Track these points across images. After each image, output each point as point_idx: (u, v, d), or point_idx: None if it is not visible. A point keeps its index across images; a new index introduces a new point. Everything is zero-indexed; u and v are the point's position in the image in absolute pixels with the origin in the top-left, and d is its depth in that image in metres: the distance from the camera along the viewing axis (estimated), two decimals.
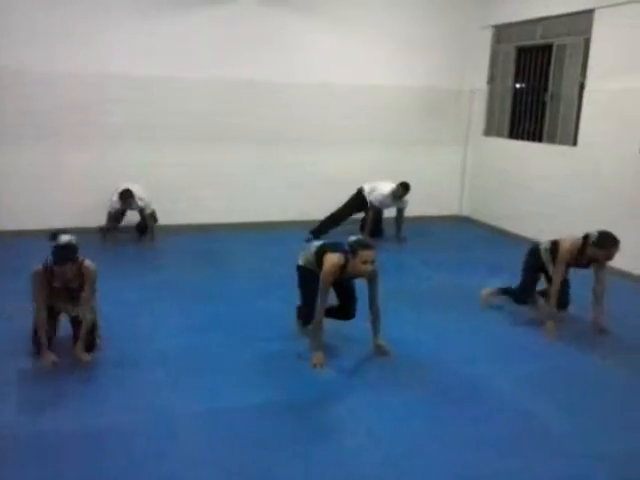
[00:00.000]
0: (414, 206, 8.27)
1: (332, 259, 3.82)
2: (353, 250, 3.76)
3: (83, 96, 6.73)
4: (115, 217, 6.65)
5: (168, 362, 3.88)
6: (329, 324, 4.10)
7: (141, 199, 6.52)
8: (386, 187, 7.11)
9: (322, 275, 3.81)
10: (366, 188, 7.14)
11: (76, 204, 6.82)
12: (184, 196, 7.30)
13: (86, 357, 3.74)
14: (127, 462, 2.87)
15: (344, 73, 7.70)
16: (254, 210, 7.59)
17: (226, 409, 3.35)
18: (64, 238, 3.64)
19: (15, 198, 6.68)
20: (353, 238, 3.86)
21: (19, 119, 6.54)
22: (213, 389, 3.57)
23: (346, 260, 3.81)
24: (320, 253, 3.96)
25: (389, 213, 7.44)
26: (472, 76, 8.33)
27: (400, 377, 3.81)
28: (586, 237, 4.40)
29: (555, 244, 4.60)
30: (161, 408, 3.34)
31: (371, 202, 7.09)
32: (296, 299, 4.31)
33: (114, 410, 3.30)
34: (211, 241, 6.89)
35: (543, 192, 7.26)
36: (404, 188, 7.08)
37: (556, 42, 7.08)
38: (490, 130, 8.36)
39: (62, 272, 3.58)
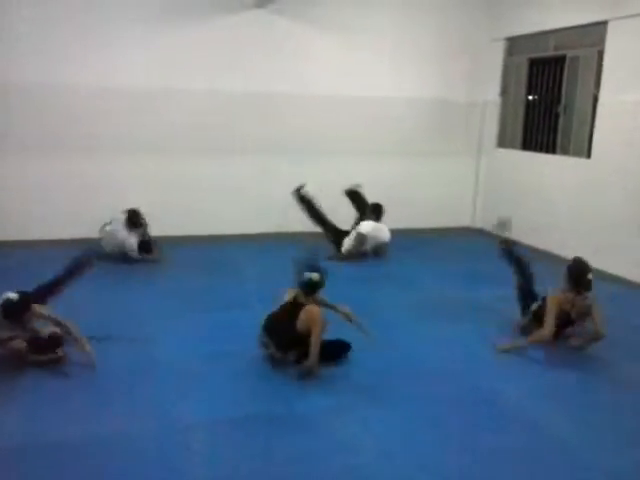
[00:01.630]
0: (426, 217, 8.29)
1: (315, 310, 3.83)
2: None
3: (88, 108, 6.80)
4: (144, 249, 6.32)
5: (177, 370, 3.89)
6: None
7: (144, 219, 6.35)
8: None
9: (320, 325, 3.78)
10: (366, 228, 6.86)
11: (83, 214, 6.84)
12: (189, 208, 7.34)
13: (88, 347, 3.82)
14: (132, 470, 2.87)
15: (354, 85, 7.73)
16: (260, 220, 7.61)
17: (235, 419, 3.34)
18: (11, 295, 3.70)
19: (22, 208, 6.73)
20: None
21: (26, 131, 6.65)
22: (224, 397, 3.56)
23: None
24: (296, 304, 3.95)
25: None
26: (484, 88, 8.33)
27: (410, 389, 3.78)
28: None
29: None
30: (170, 416, 3.34)
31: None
32: None
33: (120, 418, 3.31)
34: (217, 251, 6.90)
35: (557, 204, 7.21)
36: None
37: (569, 54, 7.06)
38: (503, 142, 8.33)
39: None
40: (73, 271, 4.34)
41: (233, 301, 5.24)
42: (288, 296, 4.05)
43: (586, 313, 4.34)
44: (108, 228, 6.18)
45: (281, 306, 4.02)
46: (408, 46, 7.89)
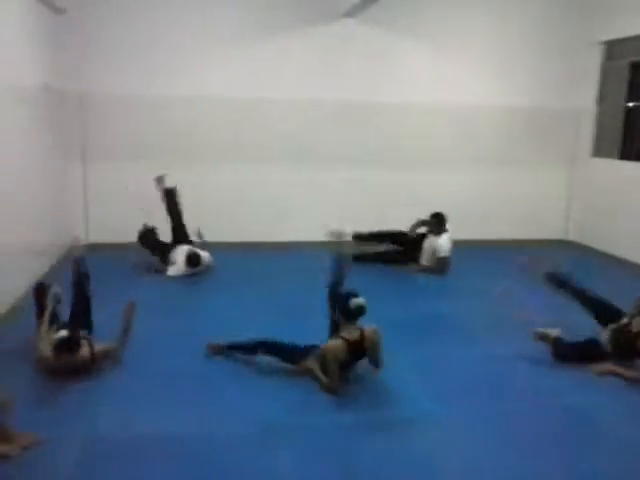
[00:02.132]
0: (515, 228, 8.03)
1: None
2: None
3: (182, 118, 7.10)
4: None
5: (265, 375, 3.97)
6: None
7: (204, 257, 6.32)
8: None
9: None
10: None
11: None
12: (280, 215, 7.51)
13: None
14: (216, 471, 2.95)
15: (446, 92, 7.63)
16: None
17: (319, 425, 3.37)
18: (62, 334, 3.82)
19: (110, 213, 7.09)
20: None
21: (118, 140, 7.04)
22: (307, 404, 3.60)
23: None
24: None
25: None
26: (580, 94, 7.98)
27: (495, 407, 3.68)
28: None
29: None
30: (257, 420, 3.40)
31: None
32: None
33: (211, 420, 3.41)
34: (304, 258, 6.96)
35: None
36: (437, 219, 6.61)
37: None
38: (599, 151, 7.94)
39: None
40: (79, 283, 4.47)
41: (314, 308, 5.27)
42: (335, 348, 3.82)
43: None
44: (174, 271, 6.23)
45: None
46: (500, 52, 7.70)
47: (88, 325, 4.26)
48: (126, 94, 6.93)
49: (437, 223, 6.57)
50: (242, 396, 3.70)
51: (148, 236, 6.49)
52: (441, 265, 6.55)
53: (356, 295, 3.81)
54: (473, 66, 7.69)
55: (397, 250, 6.90)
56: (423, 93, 7.58)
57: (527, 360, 4.34)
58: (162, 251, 6.41)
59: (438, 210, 6.70)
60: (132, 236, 6.94)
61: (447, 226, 6.63)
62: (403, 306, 5.54)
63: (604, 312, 4.43)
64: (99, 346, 3.96)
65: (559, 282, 4.72)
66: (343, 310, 3.81)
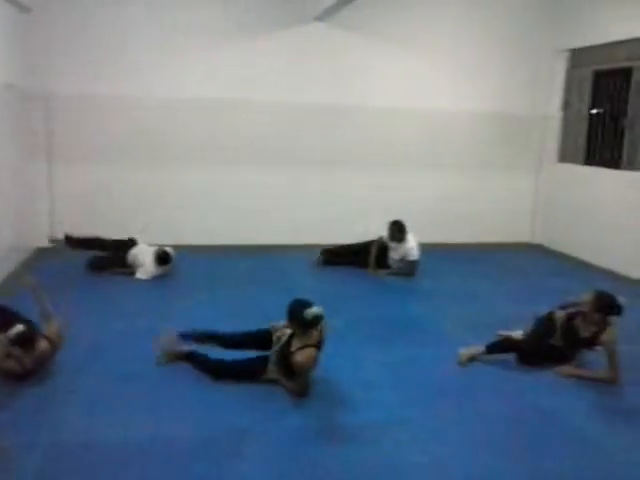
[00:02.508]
0: (484, 232, 8.16)
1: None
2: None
3: (156, 120, 7.05)
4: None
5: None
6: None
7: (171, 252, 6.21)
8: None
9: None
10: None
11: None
12: (251, 216, 7.48)
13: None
14: (178, 473, 2.92)
15: (414, 97, 7.71)
16: (318, 233, 7.63)
17: (286, 429, 3.34)
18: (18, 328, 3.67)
19: (76, 214, 6.97)
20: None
21: (86, 141, 6.94)
22: (273, 407, 3.58)
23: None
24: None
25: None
26: (545, 101, 8.14)
27: (467, 407, 3.70)
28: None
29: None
30: (222, 421, 3.36)
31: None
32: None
33: (173, 424, 3.36)
34: (272, 261, 6.95)
35: (621, 221, 6.95)
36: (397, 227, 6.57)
37: (636, 65, 6.82)
38: (565, 156, 8.10)
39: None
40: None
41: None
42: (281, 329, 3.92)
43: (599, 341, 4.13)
44: (144, 274, 6.08)
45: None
46: (468, 58, 7.81)
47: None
48: (94, 94, 6.82)
49: (397, 230, 6.60)
50: (203, 399, 3.65)
51: (88, 242, 6.32)
52: (410, 268, 6.60)
53: (309, 305, 3.65)
54: (442, 71, 7.78)
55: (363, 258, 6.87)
56: (393, 97, 7.64)
57: (495, 361, 4.39)
58: (116, 247, 6.23)
59: (402, 216, 6.67)
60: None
61: (408, 233, 6.59)
62: (372, 307, 5.56)
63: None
64: (50, 330, 3.90)
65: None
66: (299, 322, 3.65)
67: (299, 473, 2.99)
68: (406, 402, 3.74)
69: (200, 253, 6.92)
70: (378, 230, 6.80)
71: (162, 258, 6.06)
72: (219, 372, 3.90)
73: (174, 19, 6.89)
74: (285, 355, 3.74)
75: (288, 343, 3.76)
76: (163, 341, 4.12)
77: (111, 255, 6.26)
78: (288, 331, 3.87)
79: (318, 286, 6.16)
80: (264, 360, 3.88)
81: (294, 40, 7.23)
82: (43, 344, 3.78)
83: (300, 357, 3.61)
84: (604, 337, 4.08)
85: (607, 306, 4.11)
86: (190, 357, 4.07)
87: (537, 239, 8.48)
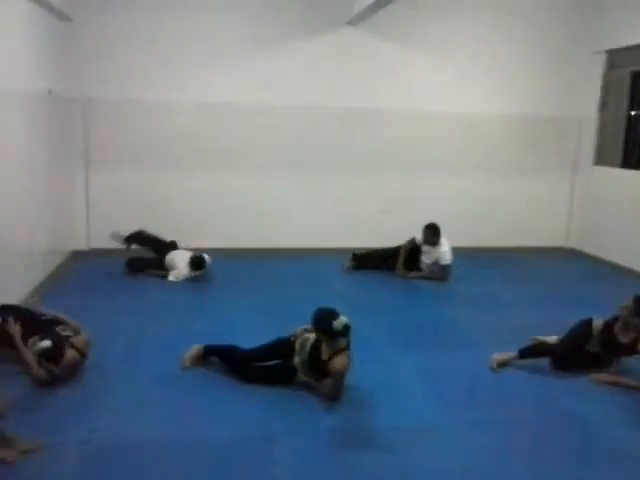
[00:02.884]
0: (518, 236, 8.05)
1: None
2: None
3: (182, 124, 7.12)
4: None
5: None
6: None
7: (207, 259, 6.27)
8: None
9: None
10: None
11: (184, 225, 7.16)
12: (280, 221, 7.53)
13: None
14: (213, 476, 2.96)
15: (447, 100, 7.64)
16: (351, 234, 7.63)
17: (308, 432, 3.35)
18: (45, 344, 3.72)
19: (112, 219, 7.04)
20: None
21: (122, 146, 7.06)
22: (295, 410, 3.59)
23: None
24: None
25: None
26: (581, 102, 7.99)
27: (496, 414, 3.67)
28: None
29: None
30: (254, 424, 3.38)
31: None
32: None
33: (206, 426, 3.40)
34: (304, 265, 6.98)
35: None
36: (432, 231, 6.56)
37: None
38: (601, 159, 7.95)
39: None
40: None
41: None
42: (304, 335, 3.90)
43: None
44: (176, 277, 6.20)
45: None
46: (503, 62, 7.72)
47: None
48: (130, 99, 6.96)
49: (432, 234, 6.58)
50: (236, 402, 3.67)
51: (137, 236, 6.53)
52: (444, 272, 6.56)
53: (336, 314, 3.62)
54: (474, 74, 7.70)
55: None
56: (424, 101, 7.59)
57: (528, 367, 4.33)
58: (155, 248, 6.40)
59: (434, 220, 6.65)
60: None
61: (442, 237, 6.58)
62: (402, 312, 5.54)
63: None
64: (76, 340, 3.96)
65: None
66: (327, 331, 3.62)
67: (331, 478, 3.00)
68: (437, 407, 3.71)
69: (230, 256, 6.97)
70: (406, 234, 6.79)
71: (195, 263, 6.15)
72: (248, 375, 3.93)
73: (205, 26, 6.96)
74: (316, 360, 3.75)
75: (316, 348, 3.76)
76: (188, 356, 4.13)
77: (150, 256, 6.41)
78: (312, 336, 3.85)
79: (348, 290, 6.16)
80: (292, 368, 3.89)
81: (326, 45, 7.24)
82: (71, 354, 3.84)
83: (337, 365, 3.61)
84: None
85: None
86: (213, 352, 4.11)
87: (571, 243, 8.33)
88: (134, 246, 6.57)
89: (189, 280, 6.17)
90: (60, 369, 3.77)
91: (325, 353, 3.69)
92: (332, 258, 7.08)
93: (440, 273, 6.57)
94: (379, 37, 7.35)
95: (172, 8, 6.87)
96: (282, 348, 3.96)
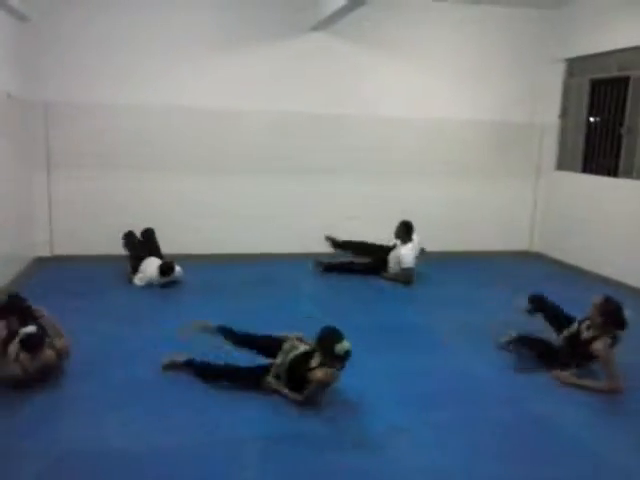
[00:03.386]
0: (482, 240, 8.18)
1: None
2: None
3: (154, 127, 7.05)
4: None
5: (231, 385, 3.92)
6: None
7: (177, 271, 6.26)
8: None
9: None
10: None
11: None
12: (250, 225, 7.48)
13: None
14: None
15: (412, 106, 7.73)
16: (317, 240, 7.62)
17: (288, 435, 3.34)
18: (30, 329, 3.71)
19: (75, 223, 6.97)
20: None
21: (85, 149, 6.93)
22: (276, 414, 3.57)
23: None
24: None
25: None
26: (543, 109, 8.18)
27: (465, 414, 3.70)
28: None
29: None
30: (222, 430, 3.36)
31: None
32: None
33: (178, 431, 3.35)
34: (272, 269, 6.96)
35: (618, 228, 6.97)
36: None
37: (633, 75, 6.87)
38: (562, 164, 8.14)
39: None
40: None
41: (286, 319, 5.26)
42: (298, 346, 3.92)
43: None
44: (140, 280, 6.20)
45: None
46: (466, 68, 7.85)
47: None
48: (92, 103, 6.84)
49: (404, 231, 6.64)
50: (206, 407, 3.65)
51: (130, 237, 6.51)
52: (405, 276, 6.61)
53: (341, 338, 3.62)
54: (440, 81, 7.82)
55: (365, 262, 6.97)
56: (391, 106, 7.66)
57: (492, 368, 4.40)
58: (136, 258, 6.35)
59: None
60: (98, 247, 6.89)
61: (414, 235, 6.70)
62: (370, 315, 5.56)
63: (562, 321, 4.60)
64: (58, 343, 3.91)
65: (540, 303, 4.81)
66: (328, 353, 3.61)
67: (298, 478, 2.98)
68: (406, 410, 3.73)
69: (200, 262, 6.91)
70: (373, 239, 6.85)
71: (162, 269, 6.13)
72: (216, 375, 3.92)
73: (172, 29, 6.91)
74: (295, 368, 3.74)
75: (303, 360, 3.74)
76: (195, 326, 4.26)
77: (132, 261, 6.37)
78: (302, 347, 3.85)
79: (316, 294, 6.18)
80: (263, 370, 3.88)
81: (292, 50, 7.26)
82: (49, 353, 3.78)
83: (319, 373, 3.61)
84: (595, 345, 4.08)
85: (611, 312, 4.10)
86: (190, 365, 4.07)
87: (535, 247, 8.49)
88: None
89: (157, 286, 6.09)
90: (35, 366, 3.68)
91: (315, 362, 3.67)
92: (300, 263, 7.06)
93: (403, 277, 6.62)
94: (344, 42, 7.39)
95: (136, 10, 6.79)
96: (273, 343, 3.98)
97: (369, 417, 3.62)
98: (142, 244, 6.55)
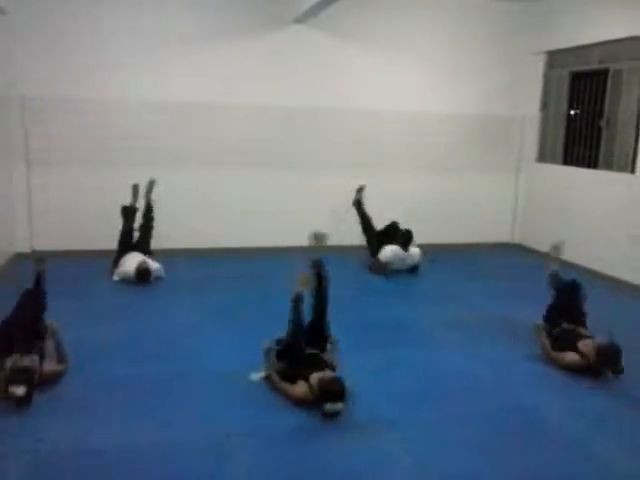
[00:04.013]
0: (465, 232, 8.23)
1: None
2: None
3: (136, 122, 6.98)
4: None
5: (219, 380, 3.92)
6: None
7: (155, 271, 6.15)
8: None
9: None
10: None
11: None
12: (233, 219, 7.44)
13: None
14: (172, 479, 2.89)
15: (392, 100, 7.74)
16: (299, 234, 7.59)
17: (279, 431, 3.35)
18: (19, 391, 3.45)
19: (55, 219, 6.89)
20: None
21: (73, 143, 6.85)
22: (266, 409, 3.57)
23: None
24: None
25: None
26: (524, 102, 8.24)
27: (449, 408, 3.73)
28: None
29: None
30: (212, 426, 3.36)
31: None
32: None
33: (166, 428, 3.34)
34: (257, 264, 6.95)
35: (599, 219, 7.05)
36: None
37: (612, 67, 6.94)
38: (543, 156, 8.21)
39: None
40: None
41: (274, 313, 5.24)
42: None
43: None
44: (118, 276, 6.15)
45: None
46: (447, 61, 7.88)
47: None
48: (72, 97, 6.74)
49: (404, 239, 6.77)
50: (195, 403, 3.64)
51: (129, 212, 6.42)
52: (381, 268, 6.70)
53: (340, 397, 3.47)
54: (421, 73, 7.83)
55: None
56: (373, 99, 7.66)
57: (479, 361, 4.43)
58: (123, 245, 6.29)
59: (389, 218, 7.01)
60: (79, 243, 6.82)
61: (411, 247, 6.81)
62: (357, 310, 5.56)
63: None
64: (49, 366, 3.80)
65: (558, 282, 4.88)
66: (320, 396, 3.49)
67: (287, 472, 2.99)
68: (390, 403, 3.75)
69: (188, 256, 6.88)
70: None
71: (140, 274, 5.97)
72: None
73: (152, 23, 6.84)
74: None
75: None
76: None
77: (116, 254, 6.30)
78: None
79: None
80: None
81: (273, 42, 7.22)
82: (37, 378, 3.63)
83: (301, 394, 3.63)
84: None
85: (609, 358, 4.08)
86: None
87: (517, 239, 8.57)
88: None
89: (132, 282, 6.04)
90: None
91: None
92: (291, 257, 7.04)
93: (378, 268, 6.74)
94: (327, 35, 7.37)
95: (119, 4, 6.71)
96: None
97: (358, 413, 3.61)
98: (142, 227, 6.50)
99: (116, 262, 6.25)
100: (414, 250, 6.83)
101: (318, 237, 4.54)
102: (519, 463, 3.17)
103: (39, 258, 4.57)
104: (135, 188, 6.50)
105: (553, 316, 4.63)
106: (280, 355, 3.94)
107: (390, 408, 3.69)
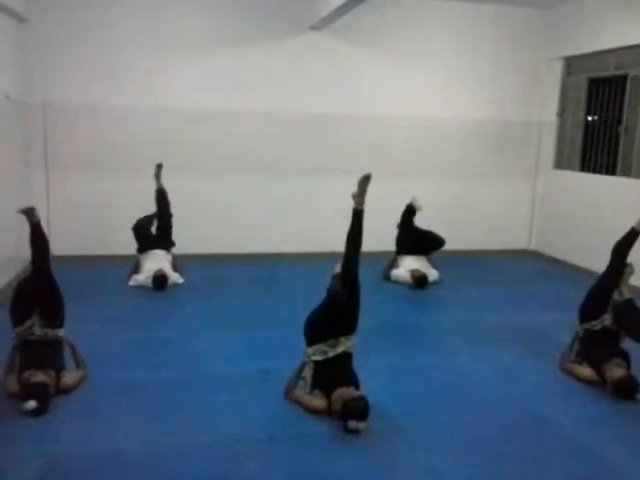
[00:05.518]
0: (481, 239, 8.18)
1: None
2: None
3: (145, 128, 7.05)
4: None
5: (232, 386, 3.94)
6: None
7: (171, 277, 6.19)
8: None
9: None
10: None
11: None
12: (245, 225, 7.47)
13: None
14: None
15: (409, 106, 7.74)
16: (312, 240, 7.62)
17: (287, 437, 3.35)
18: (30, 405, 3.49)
19: (74, 224, 6.96)
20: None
21: (88, 149, 6.94)
22: (275, 415, 3.58)
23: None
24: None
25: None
26: (541, 108, 8.19)
27: (462, 414, 3.71)
28: None
29: None
30: (223, 432, 3.37)
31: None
32: None
33: (176, 433, 3.35)
34: (267, 269, 6.98)
35: (617, 227, 6.94)
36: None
37: (631, 73, 6.87)
38: (561, 163, 8.14)
39: None
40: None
41: (288, 318, 5.26)
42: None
43: None
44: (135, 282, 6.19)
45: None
46: (463, 67, 7.86)
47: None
48: (91, 104, 6.84)
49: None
50: (204, 409, 3.66)
51: (143, 223, 6.42)
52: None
53: (363, 415, 3.41)
54: (437, 80, 7.82)
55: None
56: (388, 105, 7.66)
57: (491, 368, 4.40)
58: (145, 239, 6.34)
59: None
60: (96, 248, 6.88)
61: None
62: (370, 315, 5.51)
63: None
64: (68, 377, 3.83)
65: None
66: (343, 413, 3.45)
67: (296, 479, 2.99)
68: (403, 410, 3.74)
69: (197, 262, 6.92)
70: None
71: (156, 283, 6.01)
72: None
73: (168, 29, 6.93)
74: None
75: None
76: None
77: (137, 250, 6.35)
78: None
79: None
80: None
81: (290, 49, 7.27)
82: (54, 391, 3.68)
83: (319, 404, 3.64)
84: None
85: (623, 391, 3.96)
86: None
87: (533, 246, 8.50)
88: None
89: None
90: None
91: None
92: (300, 264, 7.07)
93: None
94: (342, 42, 7.40)
95: (136, 10, 6.81)
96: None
97: (370, 419, 3.61)
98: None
99: (137, 266, 6.27)
100: (433, 272, 6.75)
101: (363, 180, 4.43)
102: (530, 470, 3.15)
103: (25, 209, 4.27)
104: (159, 167, 6.51)
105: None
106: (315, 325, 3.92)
107: (401, 414, 3.68)
